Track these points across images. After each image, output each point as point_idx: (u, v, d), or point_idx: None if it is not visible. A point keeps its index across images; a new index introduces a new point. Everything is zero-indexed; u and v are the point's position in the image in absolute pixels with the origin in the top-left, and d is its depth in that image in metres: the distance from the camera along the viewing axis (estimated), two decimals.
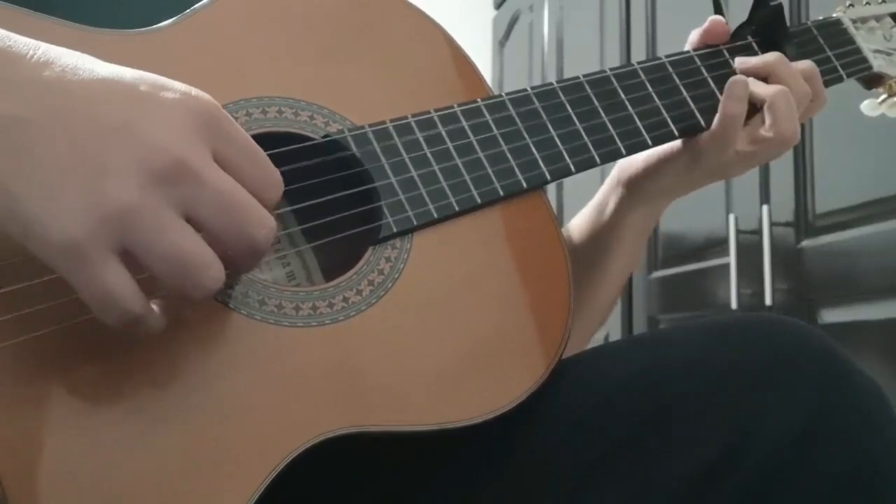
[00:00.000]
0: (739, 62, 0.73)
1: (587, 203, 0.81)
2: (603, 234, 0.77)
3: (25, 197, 0.41)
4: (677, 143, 0.72)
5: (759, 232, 1.42)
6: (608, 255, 0.78)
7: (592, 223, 0.78)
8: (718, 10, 0.76)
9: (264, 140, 0.50)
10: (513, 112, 0.64)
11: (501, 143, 0.63)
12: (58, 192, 0.41)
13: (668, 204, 0.78)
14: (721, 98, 0.70)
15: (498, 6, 2.84)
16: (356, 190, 0.58)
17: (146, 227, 0.42)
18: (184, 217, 0.44)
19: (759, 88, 0.70)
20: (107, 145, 0.42)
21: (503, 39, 2.77)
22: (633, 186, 0.75)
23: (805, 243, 1.38)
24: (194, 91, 0.46)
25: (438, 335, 0.55)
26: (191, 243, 0.43)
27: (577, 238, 0.79)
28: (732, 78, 0.70)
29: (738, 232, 1.46)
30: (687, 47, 0.75)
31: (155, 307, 0.45)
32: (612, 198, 0.77)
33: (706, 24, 0.74)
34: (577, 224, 0.80)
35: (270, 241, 0.46)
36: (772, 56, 0.72)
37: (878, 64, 0.79)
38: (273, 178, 0.47)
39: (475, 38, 2.78)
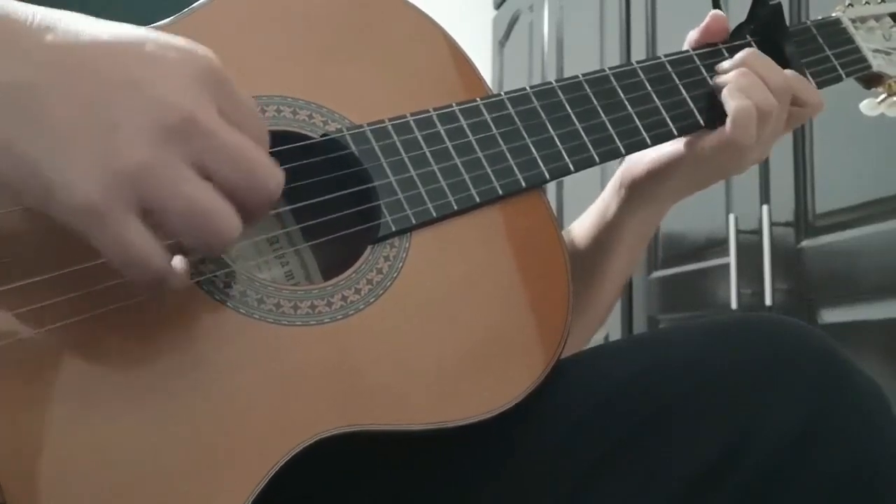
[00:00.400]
0: (719, 68, 0.72)
1: (587, 202, 0.81)
2: (604, 237, 0.77)
3: (41, 164, 0.42)
4: (681, 145, 0.72)
5: (759, 232, 1.42)
6: (609, 257, 0.77)
7: (595, 226, 0.78)
8: (717, 9, 0.76)
9: None
10: (512, 111, 0.64)
11: (500, 142, 0.62)
12: (72, 156, 0.42)
13: (670, 207, 0.78)
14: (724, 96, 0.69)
15: (498, 6, 2.84)
16: (355, 189, 0.58)
17: (161, 184, 0.43)
18: (196, 170, 0.44)
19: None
20: (116, 104, 0.43)
21: (503, 39, 2.77)
22: (637, 189, 0.75)
23: (805, 243, 1.38)
24: (199, 48, 0.46)
25: (437, 334, 0.55)
26: (206, 195, 0.44)
27: (579, 240, 0.79)
28: (735, 71, 0.70)
29: (738, 232, 1.46)
30: (686, 46, 0.75)
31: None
32: (615, 200, 0.76)
33: (706, 21, 0.74)
34: (580, 226, 0.80)
35: (280, 191, 0.47)
36: (740, 56, 0.71)
37: (877, 63, 0.79)
38: (264, 132, 0.48)
39: (475, 38, 2.78)
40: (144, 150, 0.43)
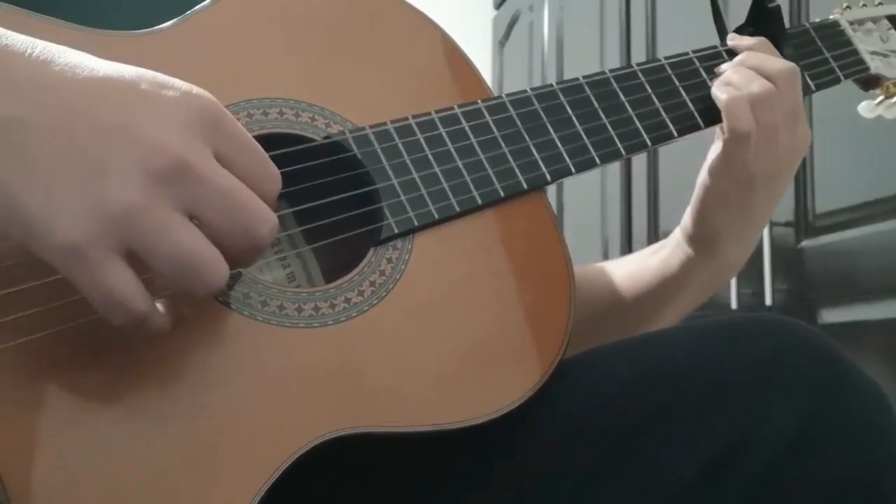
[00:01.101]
0: (718, 71, 0.72)
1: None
2: (664, 290, 0.76)
3: (27, 199, 0.41)
4: (704, 173, 0.72)
5: None
6: (663, 310, 0.77)
7: (654, 278, 0.77)
8: (717, 11, 0.76)
9: (265, 141, 0.50)
10: (513, 113, 0.64)
11: (502, 144, 0.63)
12: (58, 194, 0.41)
13: (735, 258, 0.76)
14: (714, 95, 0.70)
15: (498, 6, 2.83)
16: (357, 191, 0.58)
17: (149, 227, 0.42)
18: (186, 215, 0.44)
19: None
20: (107, 145, 0.42)
21: (503, 39, 2.77)
22: (697, 242, 0.74)
23: (805, 243, 1.38)
24: (195, 89, 0.46)
25: (440, 336, 0.56)
26: (194, 242, 0.43)
27: (627, 289, 0.78)
28: (729, 69, 0.70)
29: None
30: None
31: (159, 307, 0.45)
32: (678, 256, 0.76)
33: None
34: (627, 275, 0.79)
35: (273, 237, 0.46)
36: (739, 58, 0.71)
37: (874, 66, 0.79)
38: (272, 174, 0.48)
39: (475, 38, 2.77)
40: (132, 193, 0.42)
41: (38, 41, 0.44)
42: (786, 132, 0.70)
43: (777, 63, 0.70)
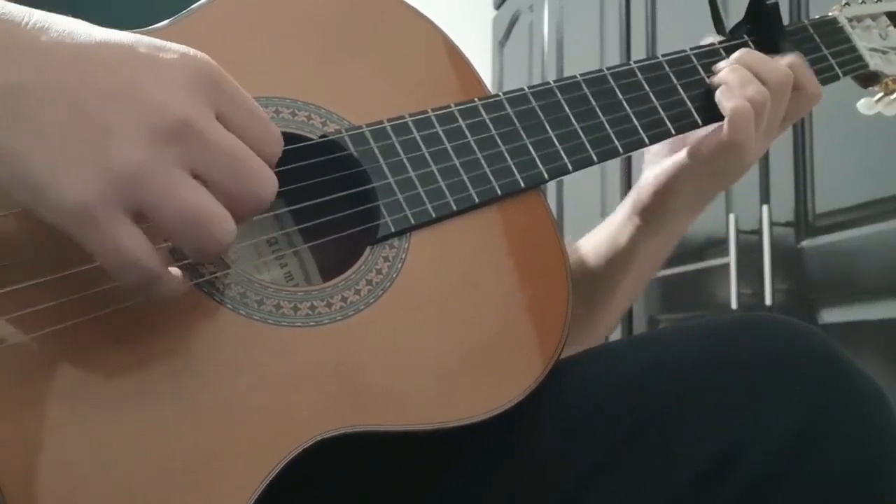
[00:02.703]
0: (715, 69, 0.72)
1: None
2: (617, 262, 0.77)
3: (34, 164, 0.42)
4: (683, 154, 0.72)
5: (759, 232, 1.42)
6: (619, 283, 0.78)
7: (606, 251, 0.78)
8: (715, 9, 0.76)
9: None
10: (510, 111, 0.64)
11: (499, 142, 0.63)
12: (65, 157, 0.42)
13: (684, 228, 0.78)
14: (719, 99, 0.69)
15: (498, 6, 2.84)
16: (354, 190, 0.58)
17: (156, 186, 0.43)
18: (191, 174, 0.44)
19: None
20: (110, 107, 0.43)
21: (503, 39, 2.77)
22: (649, 216, 0.75)
23: (805, 243, 1.38)
24: (192, 51, 0.46)
25: (437, 334, 0.56)
26: (201, 199, 0.44)
27: (589, 262, 0.79)
28: (727, 68, 0.70)
29: (738, 232, 1.46)
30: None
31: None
32: (628, 228, 0.76)
33: None
34: (591, 247, 0.80)
35: (273, 196, 0.47)
36: (735, 56, 0.71)
37: (874, 62, 0.79)
38: (273, 135, 0.48)
39: (475, 38, 2.78)
40: (138, 152, 0.43)
41: (34, 10, 0.44)
42: (763, 138, 0.70)
43: (773, 71, 0.70)
